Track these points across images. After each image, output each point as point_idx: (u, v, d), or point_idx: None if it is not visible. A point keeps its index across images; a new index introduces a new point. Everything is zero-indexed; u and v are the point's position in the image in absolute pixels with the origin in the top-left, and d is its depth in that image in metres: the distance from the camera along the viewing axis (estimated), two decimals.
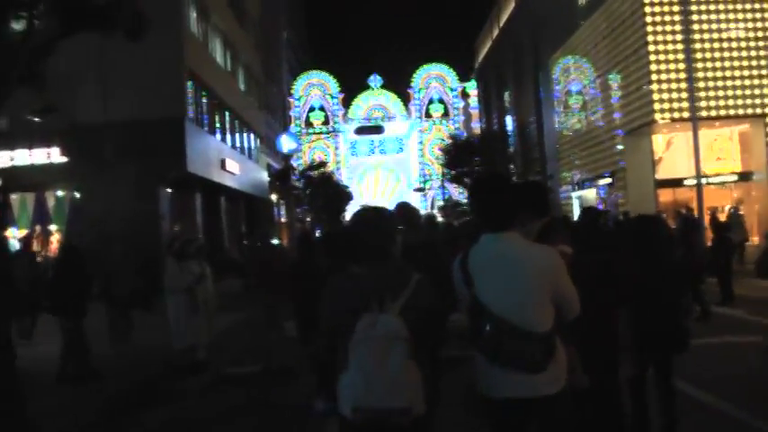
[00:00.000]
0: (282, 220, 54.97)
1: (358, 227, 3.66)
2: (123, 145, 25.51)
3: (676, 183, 33.02)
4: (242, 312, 11.78)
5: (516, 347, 3.36)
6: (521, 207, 3.80)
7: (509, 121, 65.81)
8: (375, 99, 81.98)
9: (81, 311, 10.13)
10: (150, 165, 25.65)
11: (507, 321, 3.38)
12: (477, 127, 77.22)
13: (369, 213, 3.71)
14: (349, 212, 67.36)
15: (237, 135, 39.94)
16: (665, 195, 33.56)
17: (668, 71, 30.92)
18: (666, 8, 31.13)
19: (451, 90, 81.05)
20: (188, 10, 29.77)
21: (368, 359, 3.15)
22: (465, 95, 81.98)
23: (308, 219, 59.69)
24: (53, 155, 26.86)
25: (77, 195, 27.46)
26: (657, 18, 31.20)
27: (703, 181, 32.40)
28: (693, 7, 30.61)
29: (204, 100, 32.11)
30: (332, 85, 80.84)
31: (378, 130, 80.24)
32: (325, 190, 57.84)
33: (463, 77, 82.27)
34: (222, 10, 36.70)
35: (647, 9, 31.30)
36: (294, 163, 61.84)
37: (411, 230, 6.42)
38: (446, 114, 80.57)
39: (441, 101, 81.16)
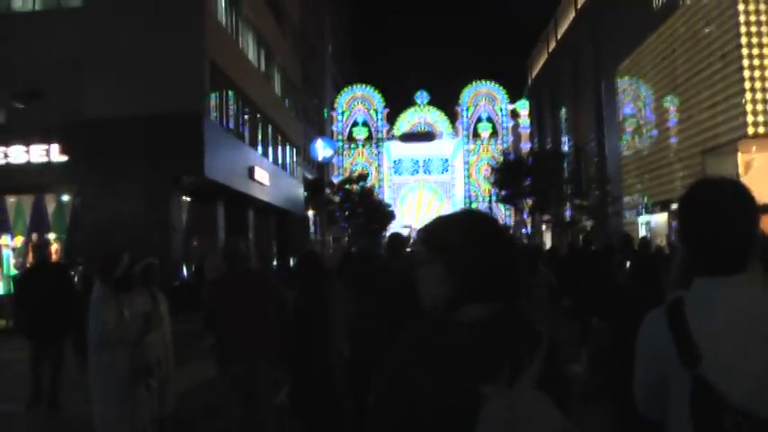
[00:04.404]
0: (319, 238, 51.53)
1: (495, 245, 1.97)
2: (133, 143, 22.31)
3: (764, 209, 29.02)
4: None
5: None
6: None
7: (564, 140, 62.01)
8: (421, 116, 79.07)
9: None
10: (164, 167, 22.75)
11: (762, 417, 1.94)
12: (526, 148, 73.71)
13: (494, 224, 2.04)
14: (390, 231, 63.80)
15: (270, 142, 36.36)
16: None
17: (763, 78, 26.76)
18: (763, 5, 26.96)
19: (501, 110, 77.69)
20: None
21: None
22: (515, 115, 78.79)
23: (346, 238, 55.80)
24: (52, 153, 23.47)
25: (79, 200, 24.16)
26: (752, 17, 27.01)
27: None
28: None
29: (231, 99, 28.56)
30: (377, 99, 78.24)
31: (429, 136, 76.40)
32: (364, 207, 53.96)
33: (514, 97, 79.00)
34: (256, 3, 33.30)
35: (741, 7, 27.13)
36: (334, 179, 58.38)
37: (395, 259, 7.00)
38: (494, 134, 77.28)
39: (489, 120, 78.07)
